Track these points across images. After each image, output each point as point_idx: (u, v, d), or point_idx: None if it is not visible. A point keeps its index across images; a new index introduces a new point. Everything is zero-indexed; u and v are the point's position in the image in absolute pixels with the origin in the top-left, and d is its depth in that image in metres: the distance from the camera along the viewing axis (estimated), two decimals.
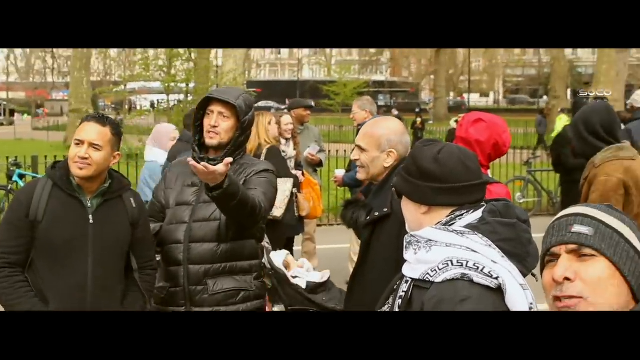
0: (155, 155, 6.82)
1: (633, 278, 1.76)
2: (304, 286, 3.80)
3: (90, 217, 3.57)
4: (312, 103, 9.34)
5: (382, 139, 3.37)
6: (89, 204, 3.58)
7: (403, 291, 2.35)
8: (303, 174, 7.66)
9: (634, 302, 1.77)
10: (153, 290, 3.88)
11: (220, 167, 3.33)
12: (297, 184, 7.23)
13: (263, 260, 4.04)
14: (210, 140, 3.89)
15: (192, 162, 3.35)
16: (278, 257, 4.00)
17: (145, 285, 3.78)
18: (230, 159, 3.39)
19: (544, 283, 1.83)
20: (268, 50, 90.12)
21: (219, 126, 3.86)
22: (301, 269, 3.94)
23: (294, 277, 3.88)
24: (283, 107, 35.99)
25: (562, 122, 24.97)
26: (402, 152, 3.34)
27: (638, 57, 57.63)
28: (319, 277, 3.90)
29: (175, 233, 3.90)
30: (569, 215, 1.85)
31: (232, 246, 3.87)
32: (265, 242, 4.19)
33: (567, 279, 1.76)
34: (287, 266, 3.96)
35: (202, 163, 3.36)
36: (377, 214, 3.23)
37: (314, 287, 3.85)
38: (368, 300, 2.94)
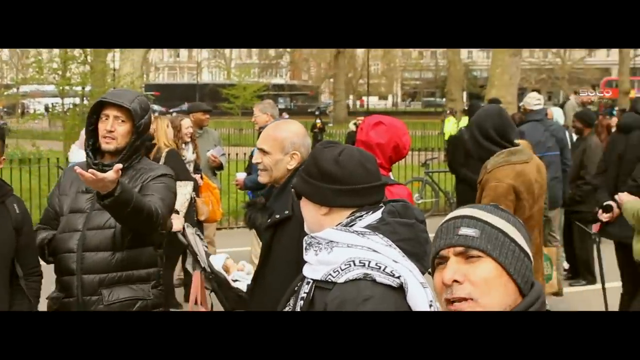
0: (80, 157, 6.64)
1: (519, 276, 1.81)
2: (244, 289, 3.75)
3: None
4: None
5: (286, 142, 3.36)
6: None
7: (305, 292, 2.36)
8: (202, 178, 7.63)
9: (521, 299, 1.81)
10: (39, 297, 3.77)
11: (110, 174, 3.23)
12: (196, 188, 7.19)
13: (203, 265, 3.96)
14: (107, 145, 3.77)
15: (79, 170, 3.23)
16: (217, 261, 3.93)
17: (32, 292, 3.68)
18: (120, 166, 3.29)
19: (435, 285, 1.85)
20: (166, 53, 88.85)
21: (115, 131, 3.74)
22: (241, 272, 3.87)
23: (234, 281, 3.82)
24: (171, 110, 35.31)
25: (450, 123, 25.59)
26: (304, 155, 3.34)
27: (530, 61, 59.63)
28: None
29: (68, 242, 3.76)
30: (456, 217, 1.88)
31: (128, 254, 3.76)
32: (204, 246, 4.13)
33: (455, 281, 1.79)
34: (226, 270, 3.89)
35: (90, 170, 3.25)
36: (278, 216, 3.22)
37: None
38: (268, 302, 2.93)
